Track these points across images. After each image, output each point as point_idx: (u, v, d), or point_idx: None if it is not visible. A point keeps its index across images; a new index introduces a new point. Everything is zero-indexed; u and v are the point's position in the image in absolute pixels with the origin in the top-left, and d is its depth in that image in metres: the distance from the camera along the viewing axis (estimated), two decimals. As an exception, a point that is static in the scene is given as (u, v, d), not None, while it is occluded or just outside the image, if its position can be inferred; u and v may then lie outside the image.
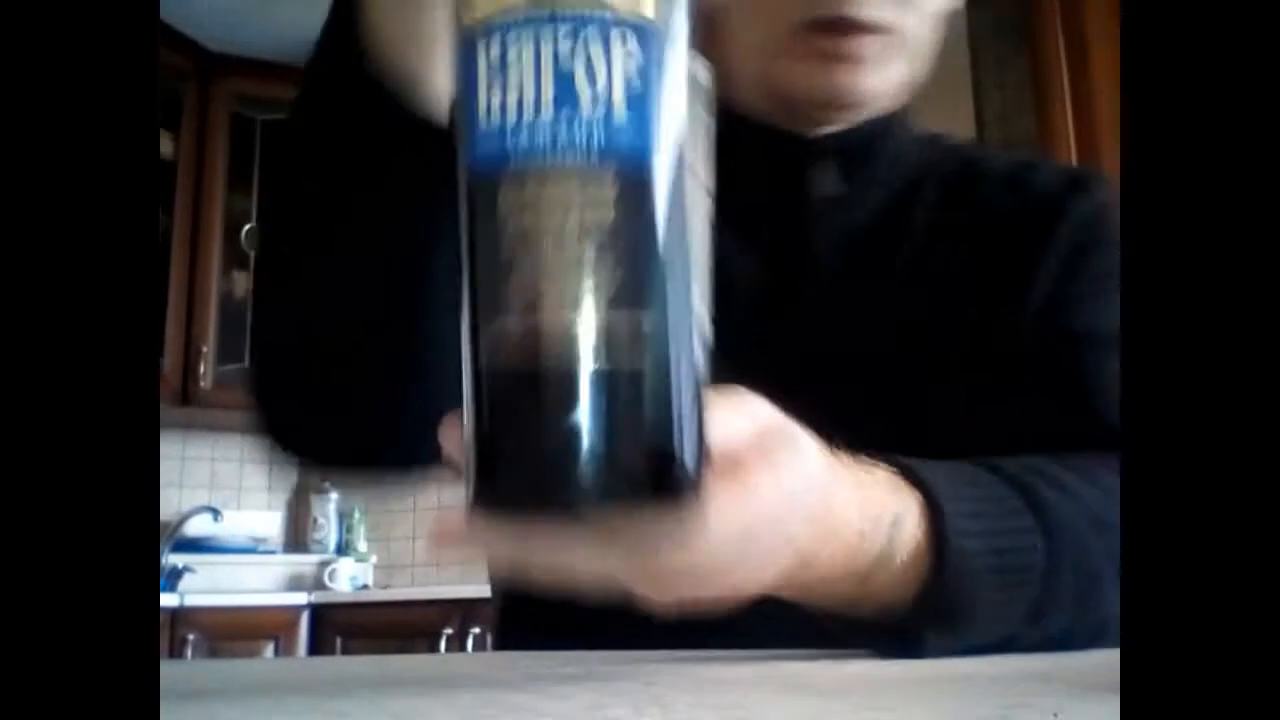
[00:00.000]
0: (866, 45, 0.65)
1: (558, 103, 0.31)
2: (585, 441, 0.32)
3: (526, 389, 0.32)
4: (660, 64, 0.32)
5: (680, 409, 0.33)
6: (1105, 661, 0.41)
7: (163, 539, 3.47)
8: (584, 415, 0.32)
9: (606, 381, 0.32)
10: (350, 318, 0.57)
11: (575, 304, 0.31)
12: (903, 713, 0.28)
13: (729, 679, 0.37)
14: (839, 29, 0.65)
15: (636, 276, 0.32)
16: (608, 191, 0.31)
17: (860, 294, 0.71)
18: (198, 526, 3.57)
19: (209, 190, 3.55)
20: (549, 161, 0.31)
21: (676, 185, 0.33)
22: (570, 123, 0.31)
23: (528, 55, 0.31)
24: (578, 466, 0.32)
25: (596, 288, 0.31)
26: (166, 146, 3.46)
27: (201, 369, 3.44)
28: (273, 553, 3.72)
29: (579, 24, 0.31)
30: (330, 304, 0.57)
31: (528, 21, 0.31)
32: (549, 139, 0.31)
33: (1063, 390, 0.65)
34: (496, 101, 0.32)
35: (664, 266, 0.32)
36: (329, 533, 3.71)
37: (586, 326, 0.31)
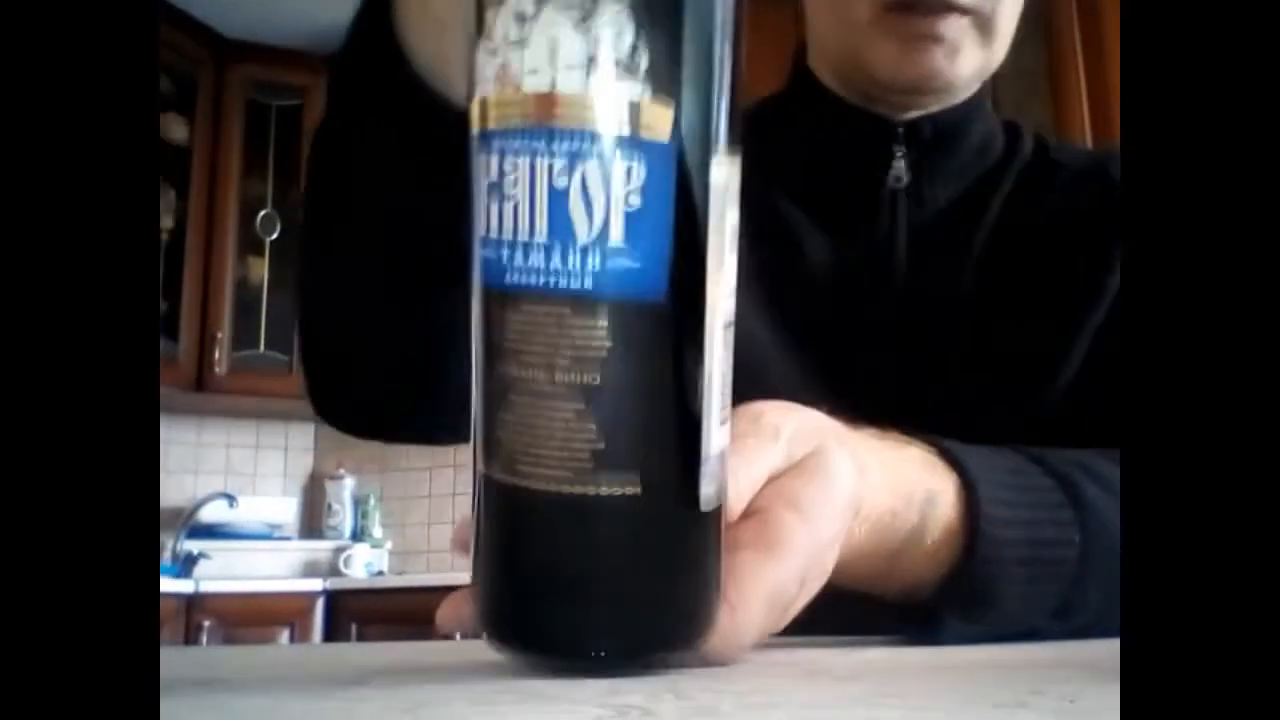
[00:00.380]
0: (954, 27, 0.64)
1: (551, 227, 0.29)
2: (582, 602, 0.30)
3: (519, 543, 0.31)
4: (672, 186, 0.29)
5: (685, 563, 0.31)
6: (1123, 649, 0.41)
7: (178, 525, 3.49)
8: (581, 577, 0.30)
9: (600, 544, 0.30)
10: (392, 297, 0.56)
11: (562, 463, 0.29)
12: (919, 698, 0.28)
13: (745, 664, 0.36)
14: (926, 9, 0.63)
15: (632, 430, 0.29)
16: (603, 329, 0.29)
17: (932, 279, 0.70)
18: (213, 513, 3.59)
19: (224, 176, 3.56)
20: (540, 288, 0.29)
21: (687, 318, 0.30)
22: (564, 250, 0.28)
23: (524, 173, 0.29)
24: (578, 626, 0.31)
25: (585, 443, 0.29)
26: (181, 132, 3.47)
27: (216, 355, 3.46)
28: (288, 539, 3.74)
29: (578, 143, 0.28)
30: (372, 283, 0.56)
31: (525, 136, 0.29)
32: (541, 264, 0.29)
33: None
34: (495, 215, 0.29)
35: (666, 415, 0.30)
36: (344, 519, 3.73)
37: (574, 487, 0.29)
